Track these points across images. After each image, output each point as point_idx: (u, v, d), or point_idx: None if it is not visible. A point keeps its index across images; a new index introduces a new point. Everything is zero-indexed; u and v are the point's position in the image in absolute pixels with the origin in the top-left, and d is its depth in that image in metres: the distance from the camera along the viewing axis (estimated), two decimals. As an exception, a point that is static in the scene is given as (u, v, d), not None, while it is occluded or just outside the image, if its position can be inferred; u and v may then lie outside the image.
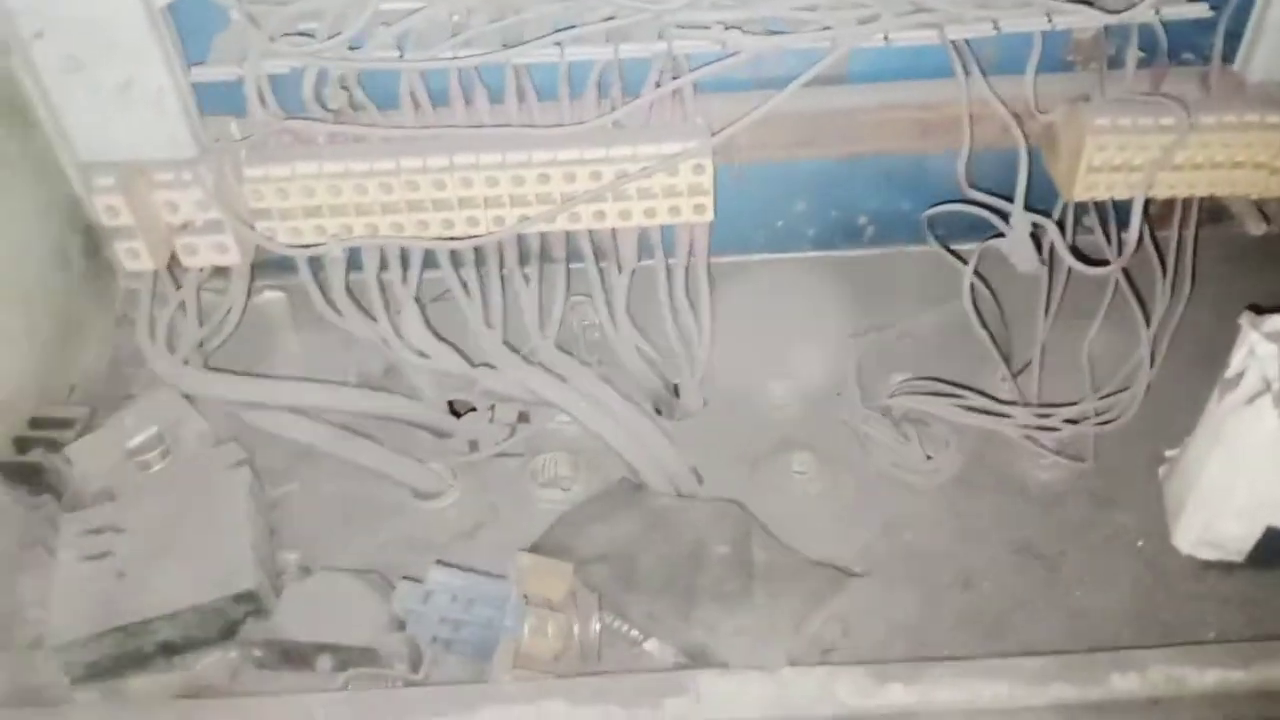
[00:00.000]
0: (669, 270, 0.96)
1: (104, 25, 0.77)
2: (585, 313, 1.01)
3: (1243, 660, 0.74)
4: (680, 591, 0.80)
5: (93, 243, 1.08)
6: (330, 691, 0.77)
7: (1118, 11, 0.85)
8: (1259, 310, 0.79)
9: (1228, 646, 0.75)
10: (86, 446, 0.89)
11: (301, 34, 0.85)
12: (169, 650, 0.80)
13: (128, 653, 0.79)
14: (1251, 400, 0.76)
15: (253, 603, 0.80)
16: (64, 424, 0.94)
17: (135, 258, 0.88)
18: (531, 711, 0.73)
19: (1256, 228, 0.98)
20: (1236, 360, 0.79)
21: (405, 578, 0.81)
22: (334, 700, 0.76)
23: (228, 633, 0.80)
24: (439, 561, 0.81)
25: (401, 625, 0.79)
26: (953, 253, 0.97)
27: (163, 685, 0.80)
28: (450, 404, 0.99)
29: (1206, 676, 0.73)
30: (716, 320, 0.96)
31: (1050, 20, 0.84)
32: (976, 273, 0.93)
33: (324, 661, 0.79)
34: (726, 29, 0.83)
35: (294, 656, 0.80)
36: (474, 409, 0.98)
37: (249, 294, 0.96)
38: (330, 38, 0.82)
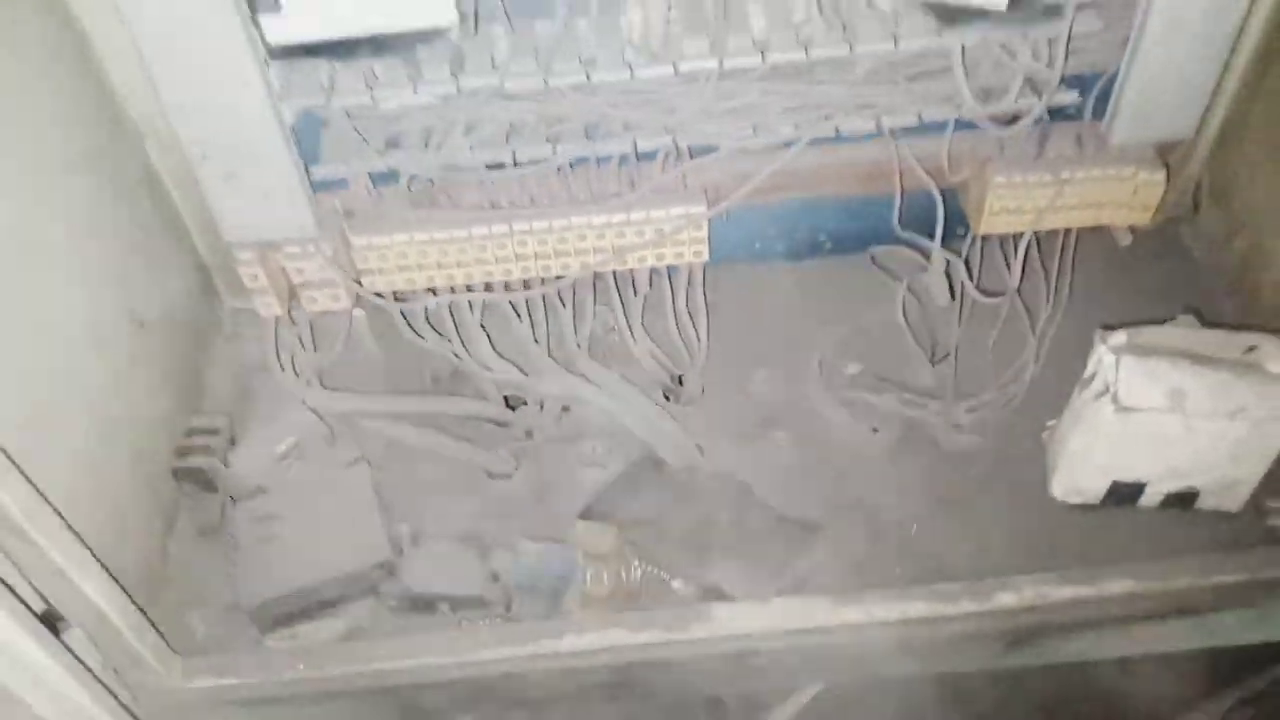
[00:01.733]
0: (673, 289, 1.24)
1: (251, 147, 1.02)
2: (607, 319, 1.29)
3: (1090, 579, 1.06)
4: (696, 546, 1.11)
5: (206, 277, 1.34)
6: (452, 628, 1.08)
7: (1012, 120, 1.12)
8: (1109, 327, 1.10)
9: (1080, 571, 1.07)
10: (243, 454, 1.18)
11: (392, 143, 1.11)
12: (327, 604, 1.10)
13: (299, 608, 1.09)
14: (1098, 397, 1.06)
15: (387, 567, 1.10)
16: (212, 431, 1.22)
17: (268, 307, 1.15)
18: (600, 638, 1.04)
19: (1124, 239, 1.27)
20: (1091, 364, 1.09)
21: (499, 546, 1.11)
22: (460, 632, 1.07)
23: (369, 590, 1.11)
24: (524, 538, 1.11)
25: (497, 578, 1.10)
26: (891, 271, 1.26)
27: (326, 630, 1.10)
28: (506, 399, 1.28)
29: (1064, 591, 1.05)
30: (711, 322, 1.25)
31: (960, 110, 1.11)
32: (909, 287, 1.22)
33: (443, 607, 1.10)
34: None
35: (420, 604, 1.10)
36: (525, 403, 1.27)
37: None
38: (426, 145, 1.08)
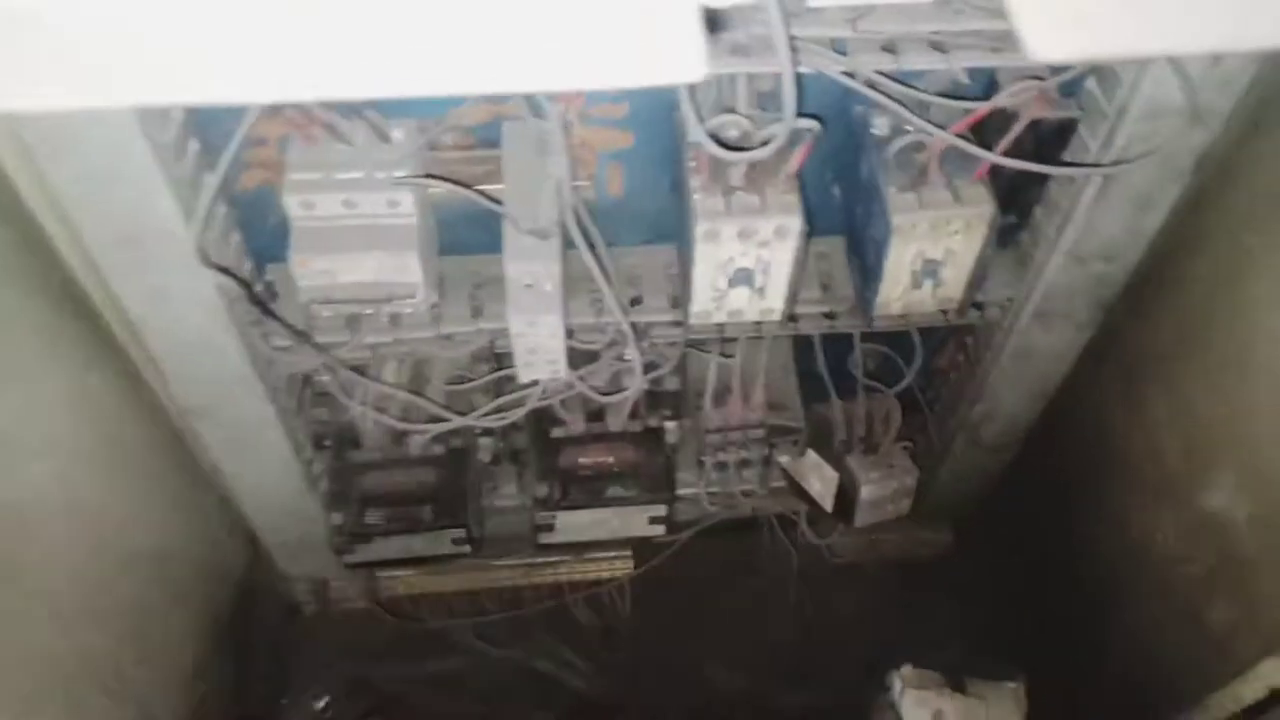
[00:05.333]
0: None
1: (304, 531, 1.47)
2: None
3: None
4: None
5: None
6: None
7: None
8: (908, 652, 1.58)
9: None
10: (292, 709, 1.63)
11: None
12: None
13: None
14: (890, 708, 1.56)
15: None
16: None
17: (310, 609, 1.60)
18: None
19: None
20: (888, 680, 1.58)
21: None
22: None
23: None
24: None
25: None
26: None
27: None
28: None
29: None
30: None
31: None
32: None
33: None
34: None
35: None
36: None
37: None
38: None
